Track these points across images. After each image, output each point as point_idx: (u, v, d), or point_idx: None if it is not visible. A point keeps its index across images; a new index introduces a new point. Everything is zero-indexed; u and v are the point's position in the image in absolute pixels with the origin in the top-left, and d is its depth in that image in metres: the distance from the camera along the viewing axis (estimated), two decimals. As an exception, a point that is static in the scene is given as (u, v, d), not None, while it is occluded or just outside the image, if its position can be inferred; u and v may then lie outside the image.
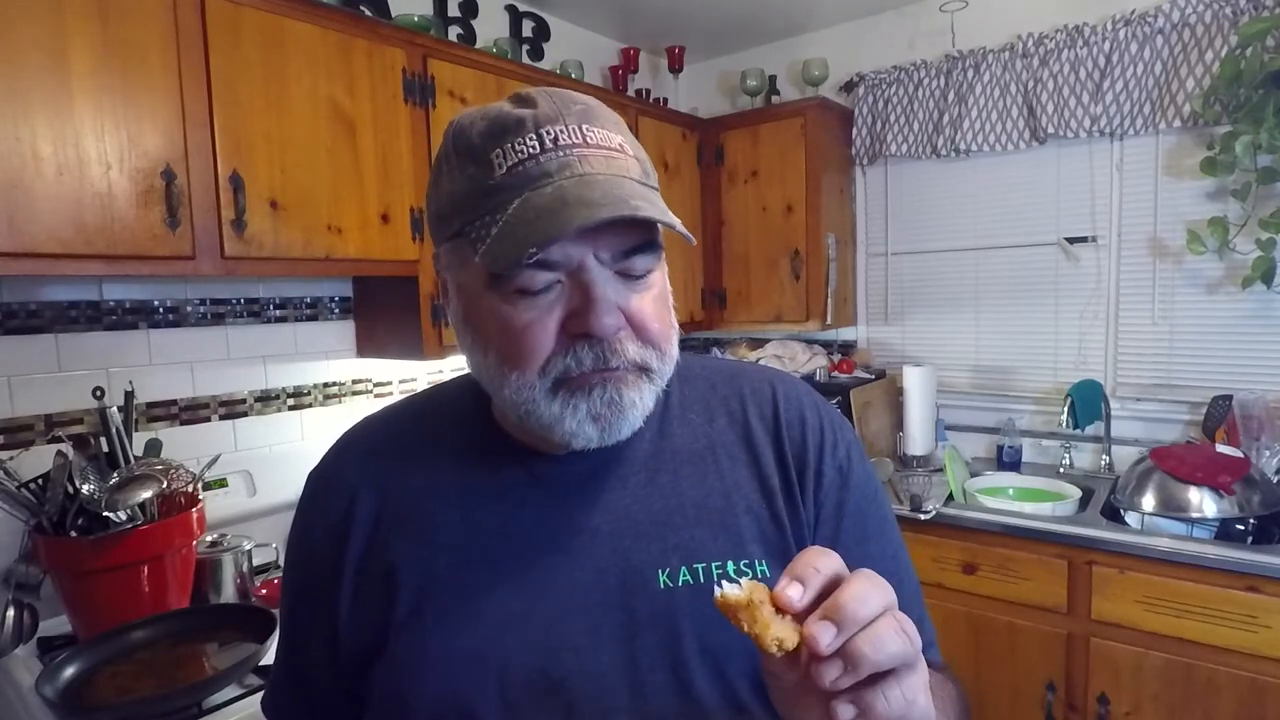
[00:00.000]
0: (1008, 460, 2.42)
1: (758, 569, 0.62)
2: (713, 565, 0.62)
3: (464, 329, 0.62)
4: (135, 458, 1.45)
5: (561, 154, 0.55)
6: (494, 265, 0.55)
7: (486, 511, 0.64)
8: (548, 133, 0.56)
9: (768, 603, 0.44)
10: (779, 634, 0.43)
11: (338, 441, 0.72)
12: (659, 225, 0.57)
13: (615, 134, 0.60)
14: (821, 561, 0.45)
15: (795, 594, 0.44)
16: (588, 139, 0.57)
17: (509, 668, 0.59)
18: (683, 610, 0.60)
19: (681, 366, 0.71)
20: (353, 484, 0.67)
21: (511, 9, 2.45)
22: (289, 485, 1.82)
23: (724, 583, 0.45)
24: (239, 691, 1.22)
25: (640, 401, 0.59)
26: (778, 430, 0.69)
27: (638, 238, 0.57)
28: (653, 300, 0.60)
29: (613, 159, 0.57)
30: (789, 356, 2.73)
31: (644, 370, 0.59)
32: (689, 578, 0.61)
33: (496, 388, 0.60)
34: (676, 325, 0.64)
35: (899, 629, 0.43)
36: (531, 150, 0.55)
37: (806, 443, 0.68)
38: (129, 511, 1.34)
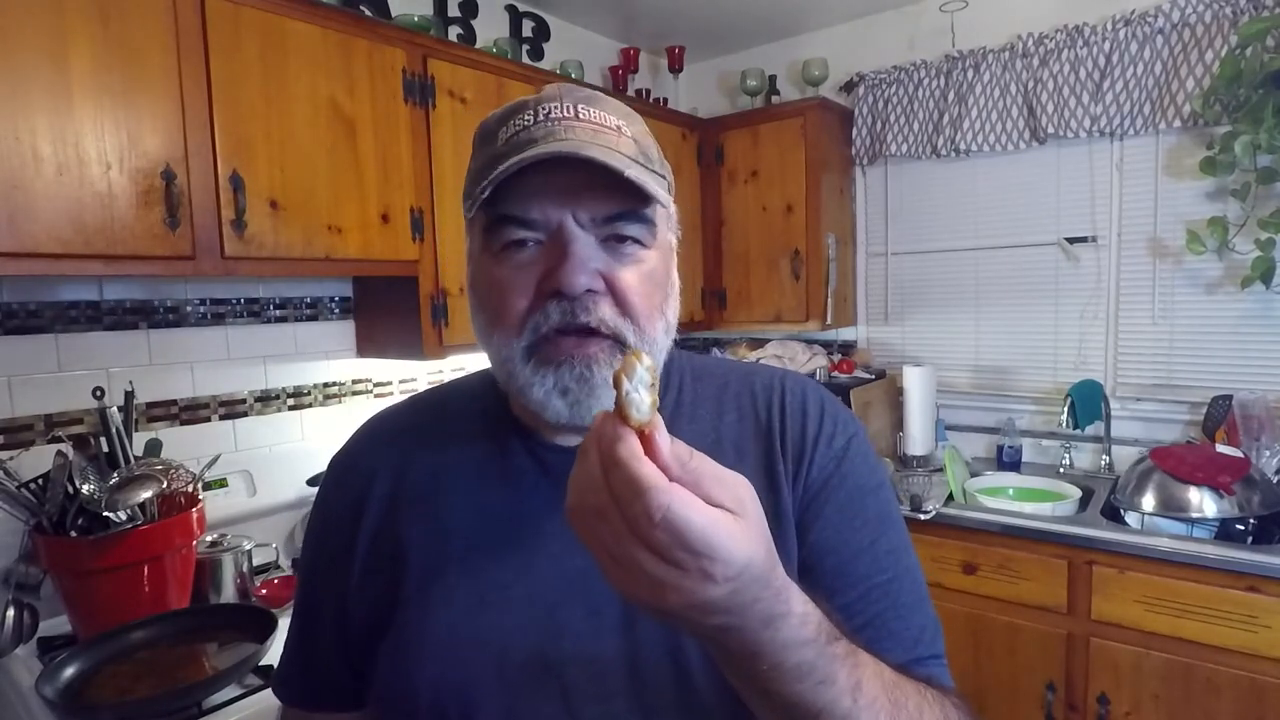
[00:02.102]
0: (1008, 460, 2.42)
1: None
2: None
3: (470, 294, 0.65)
4: (135, 458, 1.45)
5: (550, 125, 0.59)
6: (467, 212, 0.62)
7: (495, 497, 0.65)
8: (543, 108, 0.60)
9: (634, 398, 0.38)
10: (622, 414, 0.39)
11: (360, 428, 0.76)
12: (655, 202, 0.59)
13: (616, 118, 0.61)
14: (720, 483, 0.39)
15: (664, 445, 0.38)
16: (580, 115, 0.60)
17: (508, 650, 0.60)
18: None
19: (696, 365, 0.73)
20: (371, 466, 0.70)
21: (511, 9, 2.45)
22: (289, 485, 1.82)
23: (636, 365, 0.39)
24: (239, 691, 1.22)
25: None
26: (782, 422, 0.68)
27: (619, 204, 0.58)
28: (640, 275, 0.60)
29: (601, 134, 0.59)
30: (789, 357, 2.72)
31: (619, 343, 0.59)
32: None
33: (485, 346, 0.63)
34: (670, 317, 0.63)
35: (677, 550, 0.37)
36: (526, 123, 0.59)
37: (805, 432, 0.68)
38: (129, 511, 1.34)
